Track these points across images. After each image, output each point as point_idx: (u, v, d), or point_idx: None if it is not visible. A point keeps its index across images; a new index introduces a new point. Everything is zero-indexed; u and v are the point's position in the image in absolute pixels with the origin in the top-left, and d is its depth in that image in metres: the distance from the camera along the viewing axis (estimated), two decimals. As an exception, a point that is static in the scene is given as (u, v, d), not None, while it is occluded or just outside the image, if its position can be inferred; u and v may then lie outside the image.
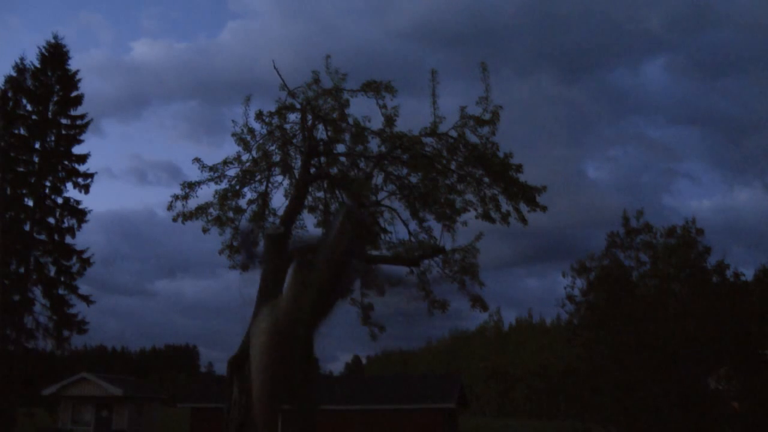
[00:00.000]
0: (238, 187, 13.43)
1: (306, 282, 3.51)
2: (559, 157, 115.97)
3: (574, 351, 21.77)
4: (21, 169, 31.30)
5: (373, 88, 12.92)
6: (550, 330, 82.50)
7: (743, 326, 18.33)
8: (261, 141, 13.43)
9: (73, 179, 31.74)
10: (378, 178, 13.27)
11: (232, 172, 13.40)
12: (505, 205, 12.79)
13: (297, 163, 13.48)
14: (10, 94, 31.20)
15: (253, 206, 13.62)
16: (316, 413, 3.95)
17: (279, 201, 14.23)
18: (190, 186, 13.22)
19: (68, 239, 31.41)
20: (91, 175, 32.06)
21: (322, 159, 13.67)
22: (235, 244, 13.51)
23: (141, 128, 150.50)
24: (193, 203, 13.22)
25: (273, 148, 13.55)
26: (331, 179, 13.46)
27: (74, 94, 32.42)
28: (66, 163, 31.89)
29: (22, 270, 30.35)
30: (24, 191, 31.15)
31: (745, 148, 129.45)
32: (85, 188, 31.83)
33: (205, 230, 13.24)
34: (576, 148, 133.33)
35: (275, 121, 13.47)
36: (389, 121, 12.91)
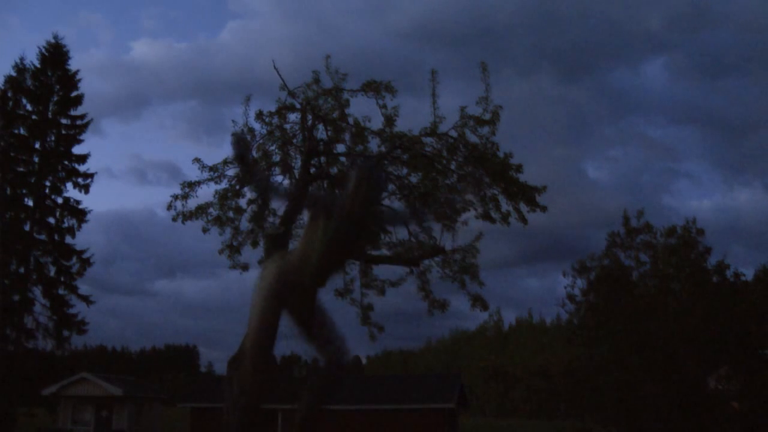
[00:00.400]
0: (238, 187, 13.43)
1: (318, 235, 3.51)
2: (559, 157, 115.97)
3: (574, 351, 21.79)
4: (21, 169, 31.30)
5: (373, 88, 12.91)
6: (550, 330, 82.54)
7: (743, 326, 18.34)
8: (261, 141, 13.43)
9: (73, 179, 31.72)
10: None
11: (232, 171, 13.41)
12: (505, 205, 12.80)
13: (297, 163, 13.48)
14: (10, 94, 31.21)
15: (253, 206, 13.62)
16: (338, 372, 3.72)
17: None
18: (190, 186, 13.23)
19: (68, 239, 31.43)
20: (91, 175, 32.08)
21: (322, 159, 13.67)
22: (234, 244, 13.51)
23: (141, 128, 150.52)
24: (192, 203, 13.23)
25: (273, 148, 13.56)
26: (331, 179, 13.45)
27: (74, 94, 32.41)
28: (66, 163, 31.87)
29: (22, 270, 30.36)
30: (24, 191, 31.13)
31: (745, 148, 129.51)
32: (85, 188, 31.83)
33: (205, 230, 13.25)
34: (576, 148, 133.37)
35: (275, 121, 13.47)
36: (389, 121, 12.91)
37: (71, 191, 31.96)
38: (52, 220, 31.39)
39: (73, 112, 32.34)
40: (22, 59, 31.72)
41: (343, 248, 3.59)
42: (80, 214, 31.69)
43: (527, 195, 12.57)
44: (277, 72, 13.02)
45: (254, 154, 13.46)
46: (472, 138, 12.62)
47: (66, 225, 31.46)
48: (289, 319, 3.77)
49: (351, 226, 3.52)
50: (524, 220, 12.77)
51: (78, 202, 31.80)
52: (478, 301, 13.29)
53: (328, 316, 3.86)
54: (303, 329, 3.78)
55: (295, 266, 3.58)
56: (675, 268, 20.53)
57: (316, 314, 3.79)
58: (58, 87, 32.13)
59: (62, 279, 31.16)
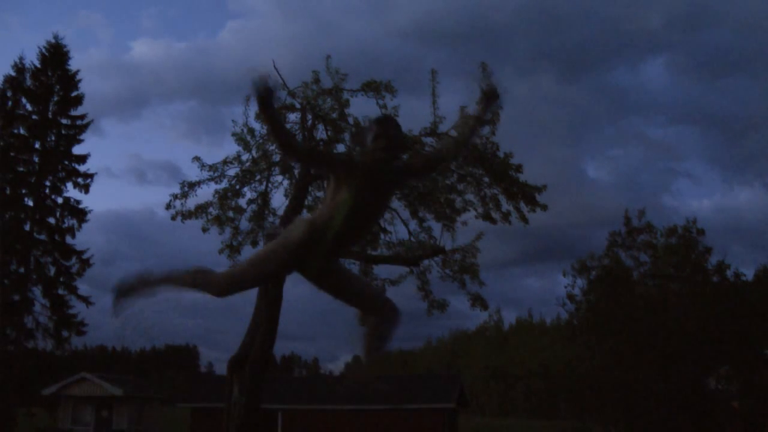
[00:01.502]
0: (238, 187, 13.42)
1: (345, 194, 3.42)
2: (559, 157, 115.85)
3: (574, 351, 21.78)
4: (21, 169, 31.31)
5: (373, 87, 12.90)
6: (550, 330, 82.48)
7: (743, 326, 18.33)
8: (261, 140, 13.42)
9: (73, 179, 31.73)
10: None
11: (232, 171, 13.40)
12: (506, 205, 12.78)
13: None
14: (9, 94, 31.22)
15: (253, 206, 13.62)
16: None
17: (279, 201, 14.23)
18: (190, 186, 13.21)
19: (68, 239, 31.43)
20: (92, 176, 32.06)
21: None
22: (234, 244, 13.49)
23: (141, 128, 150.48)
24: (192, 202, 13.22)
25: (273, 147, 13.54)
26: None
27: (74, 94, 32.40)
28: (66, 163, 31.88)
29: (22, 270, 30.35)
30: (24, 191, 31.14)
31: (745, 148, 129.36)
32: (85, 188, 31.83)
33: (204, 230, 13.23)
34: (576, 147, 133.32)
35: (275, 120, 13.44)
36: (389, 120, 12.89)
37: (71, 191, 31.99)
38: (52, 220, 31.39)
39: (73, 112, 32.33)
40: (21, 59, 31.78)
41: (370, 203, 3.51)
42: (80, 214, 31.69)
43: (527, 194, 12.57)
44: (277, 72, 13.00)
45: (254, 154, 13.44)
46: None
47: (66, 225, 31.47)
48: (314, 282, 3.66)
49: (375, 178, 3.47)
50: (525, 220, 12.77)
51: (78, 202, 31.82)
52: (478, 301, 13.28)
53: (356, 274, 3.80)
54: (332, 289, 3.68)
55: (322, 224, 3.47)
56: (675, 268, 20.53)
57: (343, 273, 3.71)
58: (58, 87, 32.13)
59: (62, 279, 31.16)
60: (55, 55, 32.35)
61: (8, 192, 30.48)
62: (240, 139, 13.36)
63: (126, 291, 3.62)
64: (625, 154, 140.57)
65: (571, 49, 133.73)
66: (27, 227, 30.75)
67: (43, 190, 31.32)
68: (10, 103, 31.21)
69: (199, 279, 3.51)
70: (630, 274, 21.26)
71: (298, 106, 13.43)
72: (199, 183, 13.26)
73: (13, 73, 31.42)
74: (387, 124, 3.55)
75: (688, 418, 18.33)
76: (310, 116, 13.42)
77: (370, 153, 3.46)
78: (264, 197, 13.67)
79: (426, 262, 13.45)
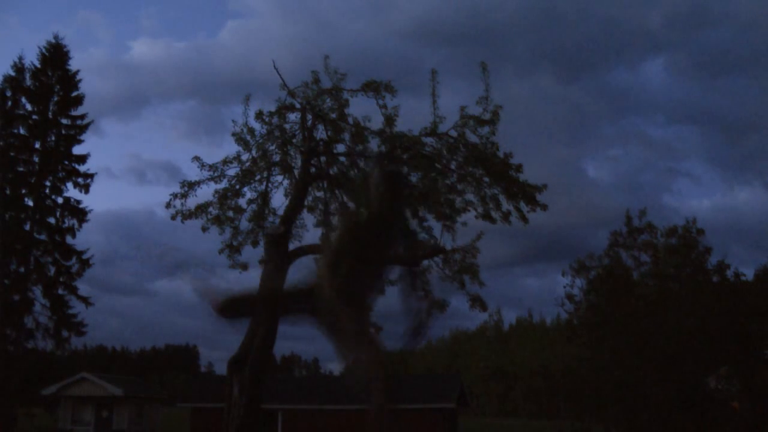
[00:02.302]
0: (238, 187, 13.40)
1: (348, 236, 3.40)
2: (559, 157, 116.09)
3: (574, 351, 21.79)
4: (21, 169, 31.32)
5: (373, 87, 12.88)
6: (550, 330, 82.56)
7: (743, 326, 18.32)
8: (261, 141, 13.40)
9: (73, 179, 31.75)
10: (378, 178, 13.21)
11: (232, 171, 13.38)
12: (506, 205, 12.76)
13: (297, 163, 13.47)
14: (9, 94, 31.23)
15: (253, 206, 13.61)
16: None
17: (279, 201, 14.21)
18: (190, 185, 13.20)
19: (68, 239, 31.45)
20: (92, 176, 32.11)
21: (322, 159, 13.65)
22: (234, 244, 13.47)
23: (140, 128, 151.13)
24: (192, 202, 13.20)
25: (273, 147, 13.54)
26: (330, 179, 13.44)
27: (75, 94, 32.43)
28: (66, 163, 31.90)
29: (22, 270, 30.36)
30: (24, 191, 31.16)
31: (745, 148, 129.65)
32: (85, 188, 31.87)
33: (204, 229, 13.21)
34: (576, 147, 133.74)
35: (275, 120, 13.44)
36: (389, 121, 12.88)
37: (71, 191, 32.03)
38: (52, 220, 31.41)
39: (73, 113, 32.36)
40: (20, 58, 31.80)
41: (373, 250, 3.49)
42: (80, 214, 31.70)
43: (527, 194, 12.55)
44: (277, 72, 13.00)
45: (254, 154, 13.44)
46: (472, 138, 12.60)
47: (66, 225, 31.49)
48: (320, 325, 3.65)
49: (378, 226, 3.45)
50: (525, 220, 12.75)
51: (78, 202, 31.85)
52: (477, 302, 13.26)
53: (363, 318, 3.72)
54: (334, 333, 3.67)
55: (327, 270, 3.46)
56: (675, 268, 20.52)
57: (343, 316, 3.66)
58: (58, 87, 32.14)
59: (62, 279, 31.17)
60: (55, 55, 32.36)
61: (8, 192, 30.49)
62: (240, 139, 13.34)
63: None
64: (625, 153, 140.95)
65: (571, 49, 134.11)
66: (27, 227, 30.76)
67: (43, 190, 31.33)
68: (10, 103, 31.23)
69: (212, 290, 3.60)
70: (630, 274, 21.26)
71: (298, 106, 13.42)
72: (199, 183, 13.23)
73: (13, 73, 31.46)
74: (395, 179, 3.53)
75: (688, 418, 18.32)
76: (310, 116, 13.42)
77: (375, 204, 3.44)
78: (264, 197, 13.65)
79: (426, 262, 13.43)
